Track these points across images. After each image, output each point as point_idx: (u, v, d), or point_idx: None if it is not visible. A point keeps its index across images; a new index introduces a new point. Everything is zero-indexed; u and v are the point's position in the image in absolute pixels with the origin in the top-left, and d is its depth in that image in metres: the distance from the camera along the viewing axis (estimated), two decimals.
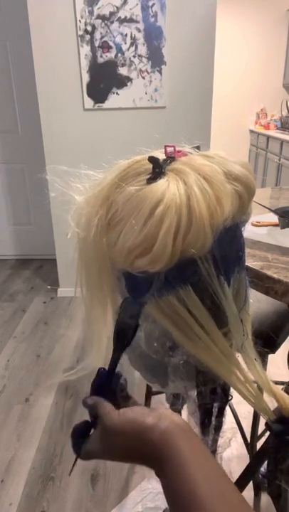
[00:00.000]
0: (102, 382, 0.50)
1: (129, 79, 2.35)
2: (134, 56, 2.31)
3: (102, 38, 2.27)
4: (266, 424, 0.48)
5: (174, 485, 0.39)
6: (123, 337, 0.47)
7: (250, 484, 1.29)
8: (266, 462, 0.57)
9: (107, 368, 0.49)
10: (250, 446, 1.39)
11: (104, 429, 0.45)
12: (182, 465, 0.39)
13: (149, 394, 1.62)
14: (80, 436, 0.49)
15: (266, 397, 0.48)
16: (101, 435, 0.46)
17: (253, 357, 0.49)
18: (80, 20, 2.24)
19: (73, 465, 0.50)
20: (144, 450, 0.42)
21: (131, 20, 2.24)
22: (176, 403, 0.72)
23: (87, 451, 0.47)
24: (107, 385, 0.49)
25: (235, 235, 0.48)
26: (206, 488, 0.38)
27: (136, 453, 0.43)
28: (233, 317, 0.48)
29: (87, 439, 0.48)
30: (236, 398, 0.53)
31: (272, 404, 0.48)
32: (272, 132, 4.67)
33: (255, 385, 0.48)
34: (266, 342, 1.07)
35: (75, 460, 0.49)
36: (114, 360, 0.49)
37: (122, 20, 2.24)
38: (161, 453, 0.40)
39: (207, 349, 0.47)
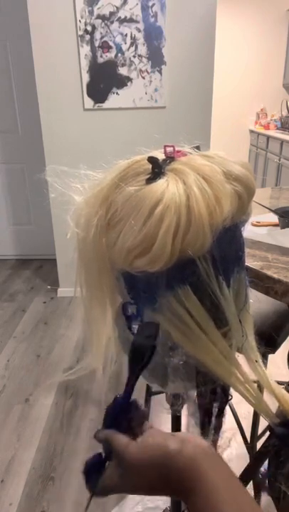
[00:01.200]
0: (118, 411, 0.45)
1: (129, 79, 2.35)
2: (134, 56, 2.31)
3: (102, 38, 2.27)
4: (269, 426, 0.48)
5: None
6: (139, 359, 0.44)
7: (250, 484, 1.29)
8: (266, 462, 0.57)
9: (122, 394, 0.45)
10: (250, 446, 1.39)
11: (124, 463, 0.42)
12: (211, 494, 0.37)
13: (149, 394, 1.62)
14: (95, 472, 0.45)
15: (267, 398, 0.48)
16: (120, 469, 0.43)
17: (253, 357, 0.49)
18: (80, 20, 2.24)
19: (88, 502, 0.45)
20: (170, 479, 0.39)
21: (131, 20, 2.24)
22: (176, 403, 0.71)
23: (105, 488, 0.44)
24: (124, 414, 0.45)
25: (235, 235, 0.48)
26: None
27: (161, 483, 0.40)
28: (232, 317, 0.47)
29: (103, 472, 0.44)
30: (236, 398, 0.53)
31: (272, 404, 0.48)
32: (272, 132, 4.67)
33: (256, 385, 0.48)
34: (267, 341, 1.07)
35: (90, 498, 0.45)
36: (131, 386, 0.45)
37: (122, 20, 2.24)
38: (189, 482, 0.38)
39: (206, 349, 0.47)
